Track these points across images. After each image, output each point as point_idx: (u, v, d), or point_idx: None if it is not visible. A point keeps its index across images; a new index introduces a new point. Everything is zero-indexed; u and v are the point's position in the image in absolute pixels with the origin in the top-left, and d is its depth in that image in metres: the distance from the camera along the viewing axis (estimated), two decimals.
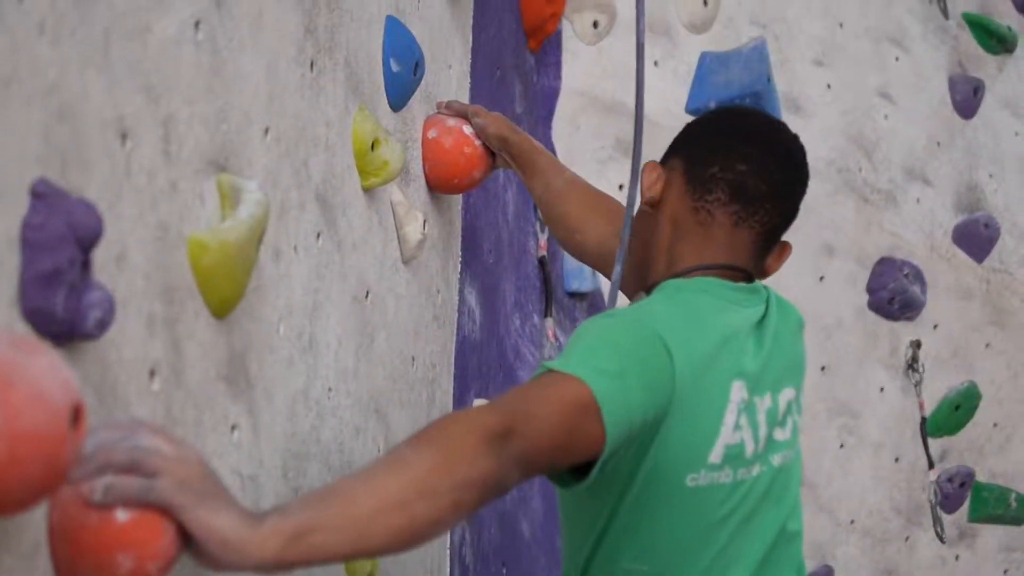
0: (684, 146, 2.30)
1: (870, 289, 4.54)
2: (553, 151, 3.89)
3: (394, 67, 2.51)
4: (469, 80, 3.14)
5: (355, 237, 2.36)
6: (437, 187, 2.79)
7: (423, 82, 2.69)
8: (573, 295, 3.93)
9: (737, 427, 2.11)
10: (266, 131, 1.96)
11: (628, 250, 2.33)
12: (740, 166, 2.21)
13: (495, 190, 3.31)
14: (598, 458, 1.98)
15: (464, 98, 3.10)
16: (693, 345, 2.07)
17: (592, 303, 4.00)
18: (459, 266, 3.05)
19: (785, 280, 4.37)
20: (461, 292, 3.05)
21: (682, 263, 2.22)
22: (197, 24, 1.75)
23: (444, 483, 1.72)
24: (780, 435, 2.19)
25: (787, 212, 2.28)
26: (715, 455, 2.09)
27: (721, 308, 2.16)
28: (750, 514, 2.14)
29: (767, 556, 2.17)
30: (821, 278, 4.46)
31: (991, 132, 4.93)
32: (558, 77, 3.95)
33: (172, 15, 1.68)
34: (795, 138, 2.32)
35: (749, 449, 2.13)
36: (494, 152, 2.83)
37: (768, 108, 4.25)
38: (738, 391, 2.12)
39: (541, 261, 3.74)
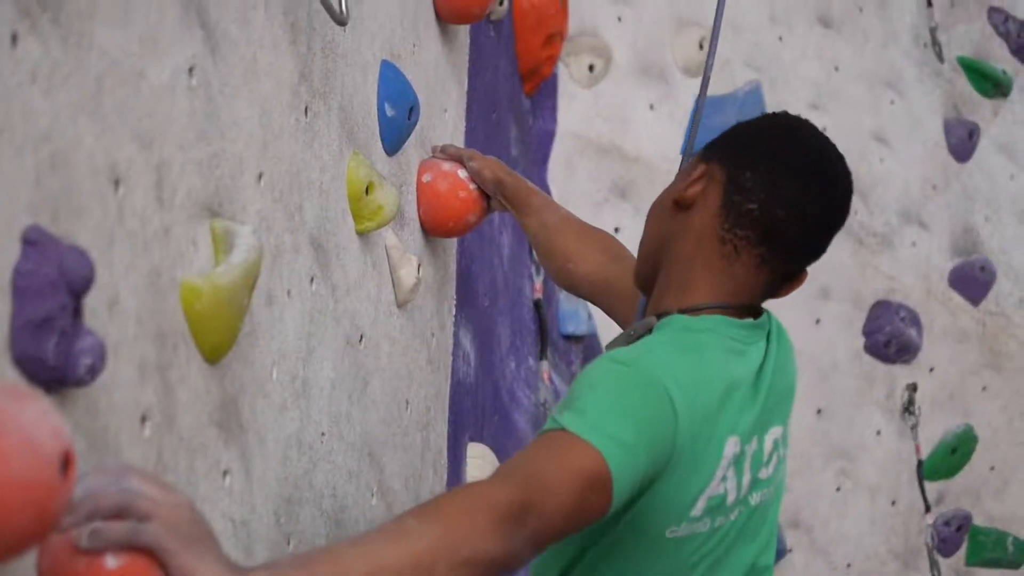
0: (730, 158, 2.14)
1: (866, 332, 4.54)
2: (549, 193, 3.90)
3: (389, 112, 2.52)
4: (464, 123, 3.15)
5: (349, 281, 2.36)
6: (432, 231, 2.80)
7: (418, 126, 2.70)
8: (568, 338, 3.94)
9: (723, 479, 2.07)
10: (260, 176, 1.97)
11: (645, 237, 2.25)
12: (780, 212, 2.09)
13: (490, 233, 3.32)
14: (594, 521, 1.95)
15: (459, 142, 3.11)
16: (697, 403, 2.01)
17: (587, 346, 4.00)
18: (454, 309, 3.05)
19: (782, 323, 4.37)
20: (456, 335, 3.05)
21: (694, 295, 2.14)
22: (191, 70, 1.75)
23: (443, 562, 1.67)
24: (763, 474, 2.15)
25: (815, 256, 2.19)
26: (697, 509, 2.06)
27: (726, 355, 2.10)
28: (723, 554, 2.11)
29: None
30: (817, 321, 4.46)
31: (986, 175, 4.95)
32: (554, 120, 3.97)
33: (166, 61, 1.69)
34: (846, 176, 2.18)
35: (731, 498, 2.10)
36: (489, 195, 2.84)
37: None
38: (731, 446, 2.08)
39: (536, 304, 3.74)
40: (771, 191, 2.10)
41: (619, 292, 2.57)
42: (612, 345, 2.21)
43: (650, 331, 2.15)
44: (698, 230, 2.15)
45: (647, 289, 2.26)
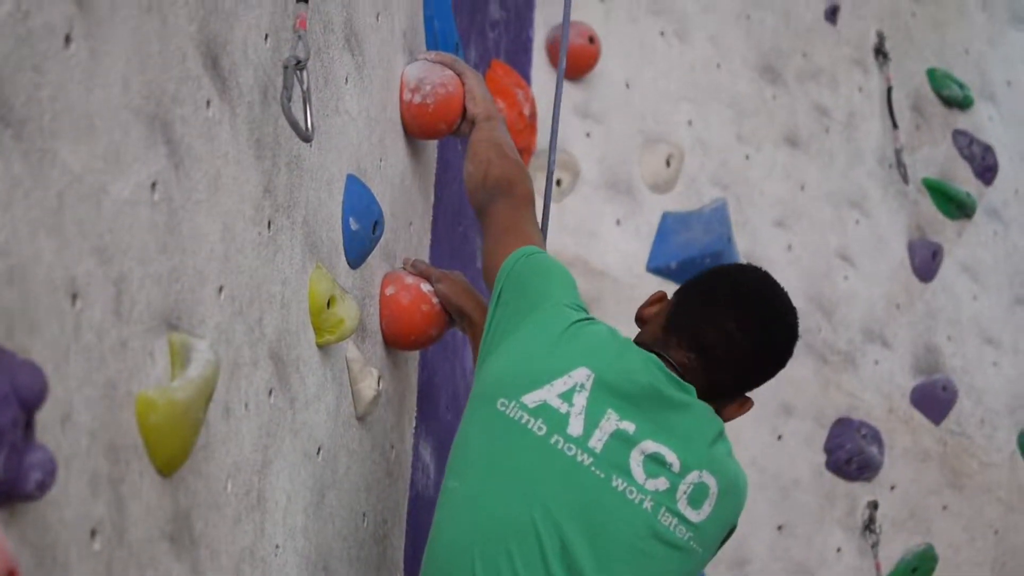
0: (680, 292, 2.55)
1: (828, 449, 4.55)
2: None
3: (353, 225, 2.54)
4: (430, 236, 3.17)
5: (308, 394, 2.37)
6: (394, 343, 2.81)
7: (383, 239, 2.72)
8: None
9: (566, 401, 2.36)
10: (220, 289, 1.98)
11: None
12: (711, 336, 2.45)
13: (453, 345, 3.33)
14: None
15: (424, 254, 3.13)
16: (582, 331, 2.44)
17: None
18: (414, 421, 3.05)
19: (744, 438, 4.39)
20: (416, 447, 3.05)
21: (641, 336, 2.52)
22: (154, 185, 1.77)
23: None
24: (686, 511, 2.37)
25: (752, 382, 2.51)
26: (531, 399, 2.36)
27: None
28: (587, 508, 2.33)
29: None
30: (779, 437, 4.48)
31: (950, 295, 4.99)
32: None
33: (129, 177, 1.71)
34: (786, 325, 2.52)
35: (574, 429, 2.35)
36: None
37: None
38: (580, 375, 2.37)
39: None
40: (710, 315, 2.46)
41: None
42: None
43: None
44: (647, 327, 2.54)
45: None
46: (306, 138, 2.18)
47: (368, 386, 2.61)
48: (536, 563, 2.31)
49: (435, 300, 2.80)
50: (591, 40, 4.29)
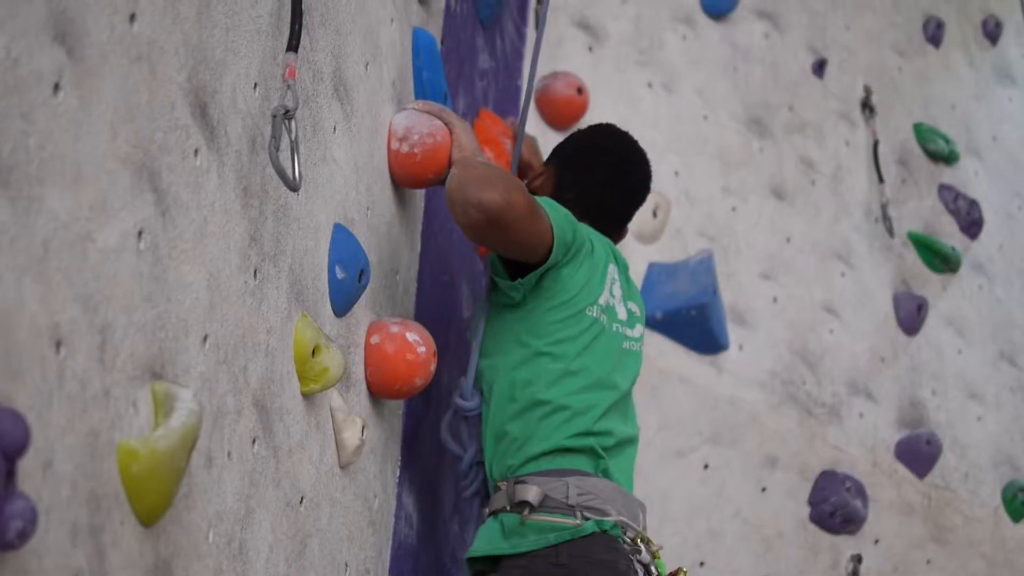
0: (559, 165, 3.32)
1: (812, 502, 4.54)
2: None
3: (339, 274, 2.54)
4: (416, 285, 3.17)
5: (292, 443, 2.36)
6: (378, 392, 2.80)
7: (369, 287, 2.72)
8: None
9: (611, 294, 3.15)
10: (205, 338, 1.98)
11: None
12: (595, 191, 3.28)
13: (437, 395, 3.32)
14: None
15: (410, 303, 3.13)
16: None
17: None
18: (398, 470, 3.05)
19: (728, 490, 4.39)
20: (399, 497, 3.04)
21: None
22: (140, 233, 1.77)
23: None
24: (629, 331, 3.20)
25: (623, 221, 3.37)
26: (603, 299, 3.12)
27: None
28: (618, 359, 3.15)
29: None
30: (763, 489, 4.47)
31: (934, 349, 5.00)
32: None
33: (115, 225, 1.71)
34: (644, 166, 3.38)
35: (620, 314, 3.17)
36: (437, 354, 2.86)
37: (714, 320, 4.31)
38: (612, 271, 3.17)
39: (480, 464, 3.73)
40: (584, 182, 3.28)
41: None
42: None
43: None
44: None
45: None
46: (293, 187, 2.18)
47: (352, 435, 2.60)
48: (614, 400, 3.08)
49: (421, 349, 2.80)
50: (579, 91, 4.31)
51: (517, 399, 3.01)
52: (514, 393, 3.02)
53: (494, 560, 2.93)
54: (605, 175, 3.27)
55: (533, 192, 3.13)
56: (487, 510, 3.05)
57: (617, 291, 3.17)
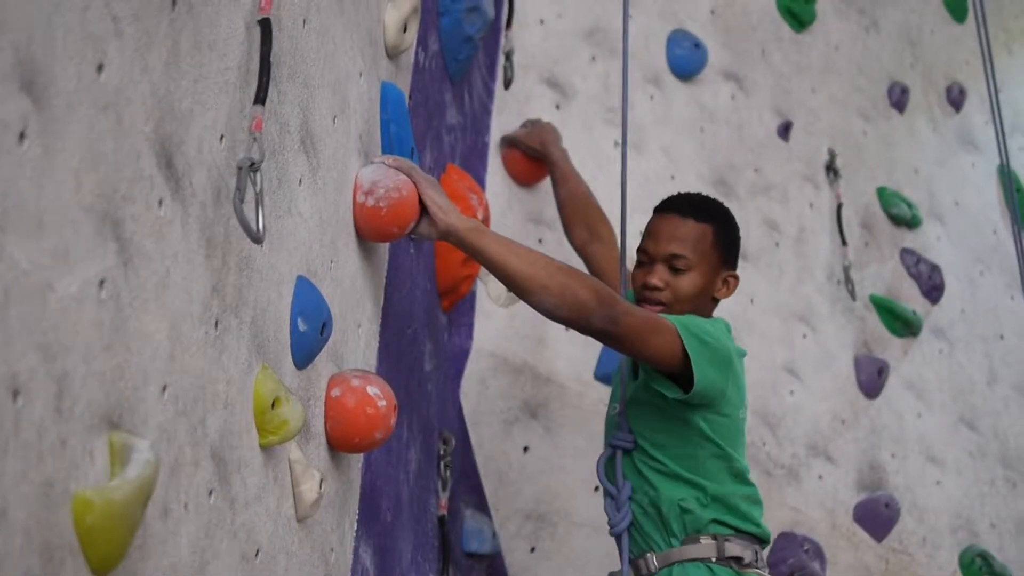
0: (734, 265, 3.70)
1: (770, 563, 4.53)
2: (460, 411, 3.92)
3: (301, 327, 2.54)
4: (378, 339, 3.17)
5: (249, 495, 2.35)
6: (338, 446, 2.80)
7: (331, 340, 2.72)
8: (471, 556, 3.92)
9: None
10: (164, 388, 1.97)
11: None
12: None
13: (398, 449, 3.32)
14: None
15: (372, 356, 3.13)
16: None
17: (491, 565, 3.98)
18: (355, 524, 3.03)
19: None
20: (356, 551, 3.03)
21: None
22: (102, 283, 1.77)
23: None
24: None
25: None
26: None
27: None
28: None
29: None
30: None
31: (894, 412, 5.02)
32: (469, 337, 4.00)
33: (76, 274, 1.70)
34: None
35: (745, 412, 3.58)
36: (398, 408, 2.86)
37: None
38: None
39: (441, 520, 3.73)
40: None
41: (607, 272, 3.85)
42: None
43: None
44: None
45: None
46: (257, 240, 2.18)
47: (310, 488, 2.59)
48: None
49: (381, 403, 2.80)
50: None
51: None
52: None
53: None
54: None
55: (716, 299, 3.60)
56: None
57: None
